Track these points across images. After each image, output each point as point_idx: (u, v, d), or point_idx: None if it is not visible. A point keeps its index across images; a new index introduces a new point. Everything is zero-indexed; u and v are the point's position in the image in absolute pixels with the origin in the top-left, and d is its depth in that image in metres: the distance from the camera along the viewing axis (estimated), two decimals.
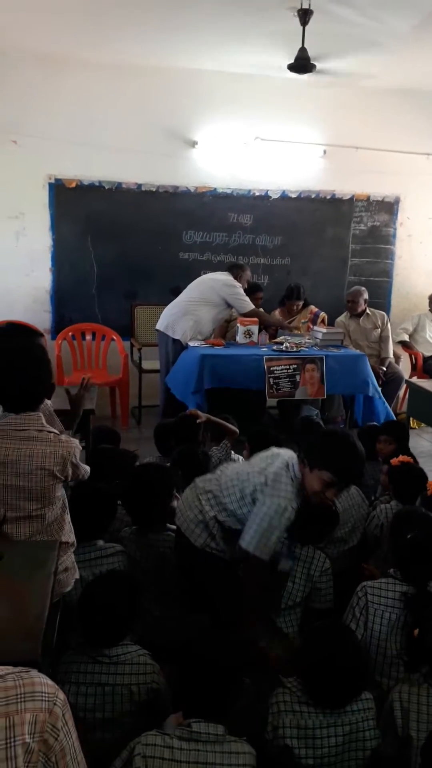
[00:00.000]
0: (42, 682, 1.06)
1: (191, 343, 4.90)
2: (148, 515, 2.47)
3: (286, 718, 1.61)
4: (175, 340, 4.98)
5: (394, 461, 2.89)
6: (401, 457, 2.90)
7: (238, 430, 3.43)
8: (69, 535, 2.12)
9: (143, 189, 5.65)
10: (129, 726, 1.79)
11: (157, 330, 5.13)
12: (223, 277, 5.07)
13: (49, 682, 1.08)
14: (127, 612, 1.87)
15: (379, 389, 5.02)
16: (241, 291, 5.02)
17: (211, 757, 1.43)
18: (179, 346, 4.97)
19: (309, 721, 1.60)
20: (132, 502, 2.52)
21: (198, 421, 3.39)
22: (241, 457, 3.48)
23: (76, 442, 2.08)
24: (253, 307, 5.05)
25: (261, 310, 5.10)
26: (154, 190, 5.67)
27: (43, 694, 1.04)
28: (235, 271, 5.15)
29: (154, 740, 1.46)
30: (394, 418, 4.84)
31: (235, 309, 5.06)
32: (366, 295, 5.68)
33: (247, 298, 5.03)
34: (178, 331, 4.97)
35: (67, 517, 2.13)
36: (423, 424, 5.26)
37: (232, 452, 3.39)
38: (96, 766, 1.75)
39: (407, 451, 3.61)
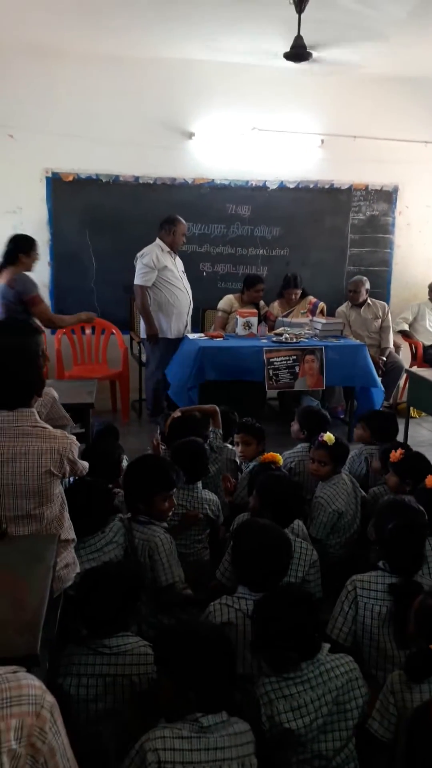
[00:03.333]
0: (29, 684, 1.02)
1: (190, 336, 4.91)
2: (142, 507, 2.48)
3: (279, 704, 1.68)
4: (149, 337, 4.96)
5: (393, 456, 2.88)
6: (400, 451, 2.90)
7: (217, 408, 3.50)
8: (69, 532, 2.11)
9: (141, 181, 5.64)
10: (130, 716, 1.81)
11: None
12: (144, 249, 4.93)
13: (37, 683, 1.04)
14: (126, 602, 1.88)
15: (379, 380, 5.03)
16: (145, 263, 4.81)
17: (221, 742, 1.50)
18: (163, 342, 4.95)
19: (301, 700, 1.69)
20: (127, 493, 2.55)
21: (174, 415, 3.36)
22: (229, 446, 3.49)
23: (73, 438, 2.06)
24: (141, 284, 4.82)
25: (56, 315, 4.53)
26: (151, 182, 5.66)
27: (30, 697, 1.01)
28: (165, 227, 4.94)
29: (163, 733, 1.50)
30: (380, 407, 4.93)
31: None
32: (367, 285, 5.68)
33: (145, 273, 4.83)
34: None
35: (67, 515, 2.13)
36: (423, 413, 5.27)
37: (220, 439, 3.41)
38: (97, 757, 1.80)
39: (391, 438, 3.64)
